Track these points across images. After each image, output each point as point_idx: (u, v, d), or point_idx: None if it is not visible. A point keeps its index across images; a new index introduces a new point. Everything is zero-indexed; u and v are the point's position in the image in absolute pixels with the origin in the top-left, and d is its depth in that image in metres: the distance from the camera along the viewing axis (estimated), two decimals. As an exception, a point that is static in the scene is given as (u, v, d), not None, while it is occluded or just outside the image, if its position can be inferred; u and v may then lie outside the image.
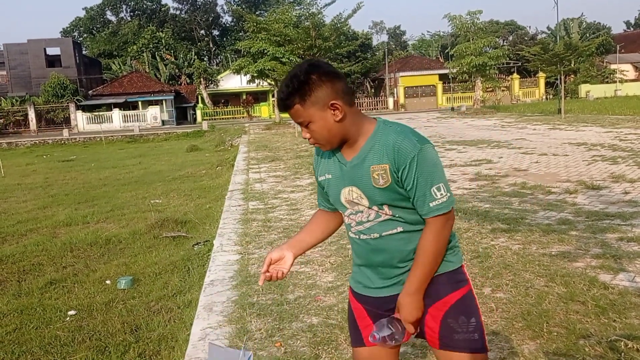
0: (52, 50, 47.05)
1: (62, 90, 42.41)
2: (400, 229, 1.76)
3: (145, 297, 4.93)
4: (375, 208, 1.74)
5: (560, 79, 27.49)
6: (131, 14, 66.71)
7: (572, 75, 44.75)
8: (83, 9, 67.87)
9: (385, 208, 1.73)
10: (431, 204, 1.68)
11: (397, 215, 1.74)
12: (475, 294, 1.85)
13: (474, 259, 4.50)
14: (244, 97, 47.84)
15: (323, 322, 3.44)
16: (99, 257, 6.40)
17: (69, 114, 42.44)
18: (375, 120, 1.77)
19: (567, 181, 8.12)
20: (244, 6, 59.68)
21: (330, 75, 1.70)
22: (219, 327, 3.49)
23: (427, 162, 1.67)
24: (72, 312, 4.63)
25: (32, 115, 41.64)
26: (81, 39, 64.44)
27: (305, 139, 1.77)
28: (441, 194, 1.68)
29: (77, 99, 42.93)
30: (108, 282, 5.43)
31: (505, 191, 7.56)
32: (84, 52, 54.73)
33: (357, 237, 1.82)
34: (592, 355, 2.86)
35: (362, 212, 1.77)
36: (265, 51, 27.75)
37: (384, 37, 76.73)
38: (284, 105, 1.72)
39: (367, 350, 1.90)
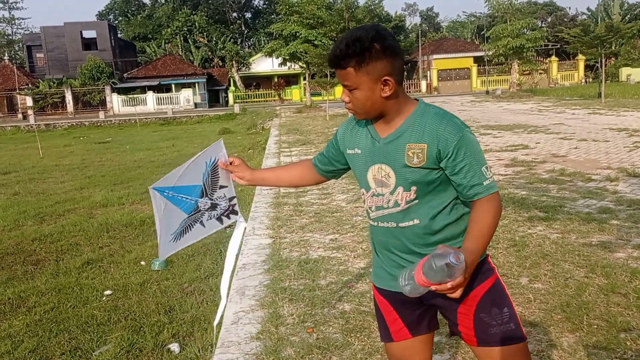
0: (88, 33, 47.81)
1: (98, 73, 43.17)
2: (416, 221, 1.70)
3: (178, 278, 4.98)
4: (398, 191, 1.69)
5: (601, 61, 26.58)
6: (165, -4, 67.13)
7: (612, 58, 43.20)
8: (118, -9, 68.62)
9: (412, 191, 1.67)
10: (484, 183, 1.64)
11: (418, 203, 1.68)
12: (505, 283, 1.78)
13: (511, 248, 4.40)
14: (276, 79, 47.83)
15: (355, 309, 3.41)
16: (134, 238, 6.50)
17: (104, 97, 43.25)
18: (417, 101, 1.72)
19: (608, 168, 7.86)
20: (276, -12, 59.38)
21: (393, 50, 1.64)
22: (252, 311, 3.50)
23: (473, 144, 1.65)
24: (108, 292, 4.71)
25: (69, 97, 42.58)
26: (116, 22, 65.26)
27: (343, 101, 1.72)
28: (489, 174, 1.67)
29: (112, 82, 43.66)
30: (142, 263, 5.51)
31: (543, 178, 7.36)
32: (119, 35, 55.47)
33: (376, 223, 1.78)
34: (634, 349, 2.76)
35: (383, 195, 1.72)
36: (298, 34, 27.60)
37: (417, 19, 75.51)
38: (337, 63, 1.65)
39: (398, 345, 1.85)
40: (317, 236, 5.11)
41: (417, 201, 1.68)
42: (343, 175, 2.03)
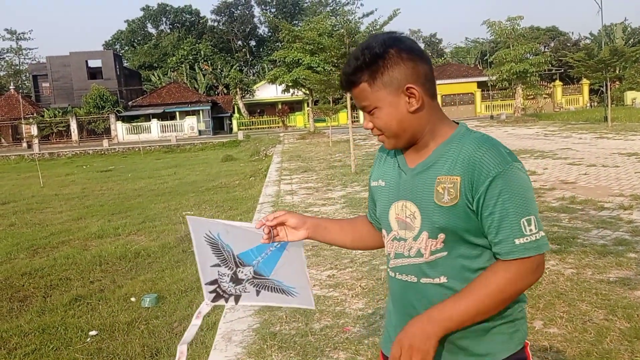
0: (94, 63, 48.44)
1: (102, 102, 43.52)
2: (444, 280, 1.33)
3: (168, 316, 4.78)
4: (422, 238, 1.33)
5: (606, 85, 26.46)
6: (171, 26, 68.13)
7: (617, 82, 43.19)
8: (125, 21, 69.88)
9: (440, 238, 1.31)
10: (517, 241, 1.24)
11: (446, 256, 1.32)
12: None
13: (521, 285, 4.08)
14: (279, 106, 48.06)
15: (351, 358, 3.10)
16: (127, 271, 6.29)
17: (109, 125, 43.47)
18: (457, 125, 1.39)
19: (620, 195, 7.54)
20: (280, 17, 60.29)
21: (414, 53, 1.32)
22: (238, 361, 3.19)
23: (518, 184, 1.25)
24: (93, 333, 4.51)
25: (74, 126, 42.84)
26: (123, 51, 66.14)
27: (367, 129, 1.38)
28: (531, 230, 1.24)
29: (117, 110, 43.95)
30: (133, 299, 5.31)
31: (553, 206, 7.05)
32: (125, 64, 56.15)
33: (394, 274, 1.42)
34: (665, 406, 2.45)
35: (404, 241, 1.37)
36: (300, 60, 27.74)
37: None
38: (348, 81, 1.35)
39: None
40: (314, 272, 4.82)
41: (445, 253, 1.32)
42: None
